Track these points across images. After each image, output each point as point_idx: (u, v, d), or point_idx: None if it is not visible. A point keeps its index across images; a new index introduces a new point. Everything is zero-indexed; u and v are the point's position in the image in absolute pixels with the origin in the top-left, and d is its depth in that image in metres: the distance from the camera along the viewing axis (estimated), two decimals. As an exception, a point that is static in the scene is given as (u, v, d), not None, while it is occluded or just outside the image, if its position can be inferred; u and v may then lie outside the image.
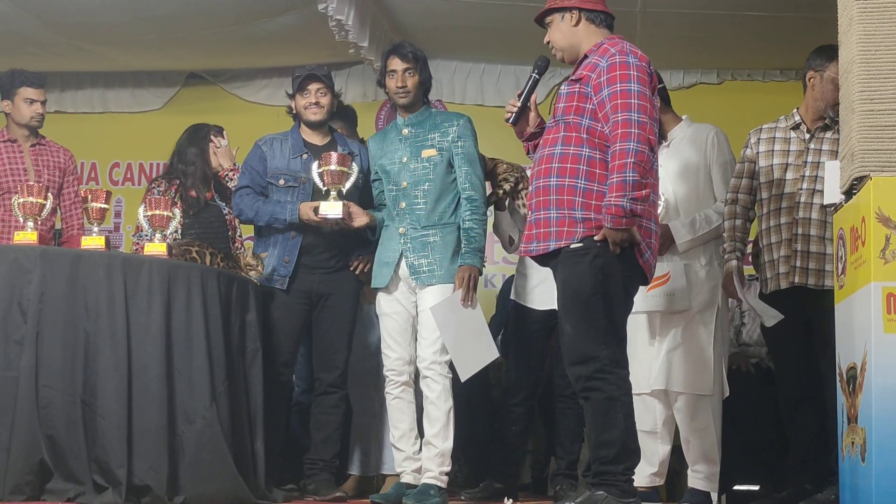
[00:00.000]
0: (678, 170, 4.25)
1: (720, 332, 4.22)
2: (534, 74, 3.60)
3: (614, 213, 3.24)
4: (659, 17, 5.43)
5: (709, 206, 4.26)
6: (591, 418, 3.32)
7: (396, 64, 4.33)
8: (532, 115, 3.61)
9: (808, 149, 4.15)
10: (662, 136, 4.22)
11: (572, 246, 3.33)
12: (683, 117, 4.37)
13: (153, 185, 4.75)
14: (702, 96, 6.41)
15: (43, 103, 5.05)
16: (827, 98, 4.10)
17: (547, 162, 3.40)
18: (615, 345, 3.32)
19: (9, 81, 5.02)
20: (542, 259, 3.50)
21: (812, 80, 4.18)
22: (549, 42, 3.56)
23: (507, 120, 3.64)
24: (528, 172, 4.65)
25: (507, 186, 4.55)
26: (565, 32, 3.50)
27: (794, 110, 4.25)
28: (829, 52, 4.11)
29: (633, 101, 3.26)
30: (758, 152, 4.24)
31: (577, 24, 3.48)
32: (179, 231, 4.52)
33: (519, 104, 3.59)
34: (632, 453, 3.32)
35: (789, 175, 4.16)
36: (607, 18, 3.52)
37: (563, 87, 3.50)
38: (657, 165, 3.43)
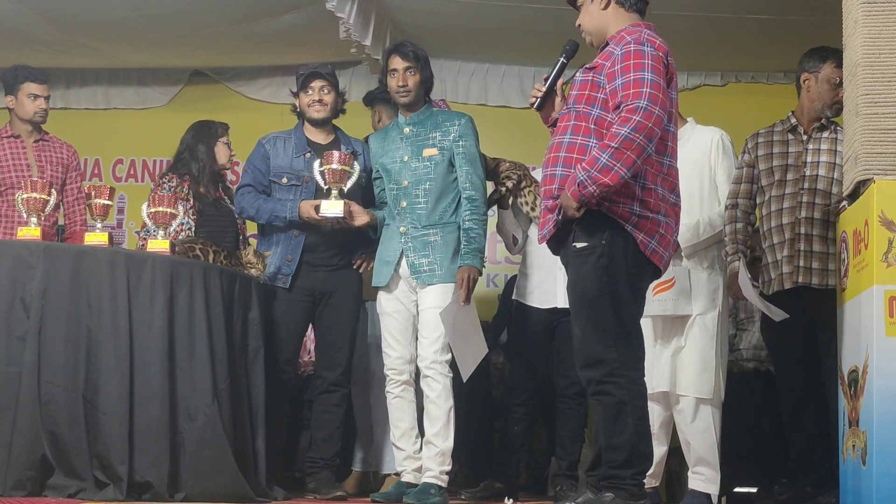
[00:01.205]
0: (681, 171, 4.23)
1: (721, 336, 4.22)
2: (561, 59, 3.46)
3: (571, 180, 3.19)
4: (663, 20, 5.38)
5: (713, 209, 4.26)
6: (601, 421, 3.30)
7: (397, 63, 4.33)
8: (558, 100, 3.48)
9: (807, 149, 4.17)
10: None
11: (578, 245, 3.31)
12: (689, 119, 4.37)
13: (163, 179, 4.73)
14: (706, 98, 6.40)
15: (46, 99, 5.06)
16: (824, 98, 4.15)
17: (555, 151, 3.36)
18: (625, 346, 3.27)
19: (12, 77, 5.03)
20: (554, 248, 3.48)
21: (807, 81, 4.21)
22: (579, 25, 3.46)
23: (532, 105, 3.51)
24: (532, 170, 4.69)
25: (509, 184, 4.54)
26: (594, 15, 3.41)
27: (790, 113, 4.28)
28: (821, 53, 4.15)
29: (644, 89, 3.17)
30: (756, 156, 4.27)
31: (607, 7, 3.38)
32: (193, 228, 4.53)
33: (545, 89, 3.46)
34: (642, 458, 3.28)
35: (790, 176, 4.18)
36: (638, 3, 3.41)
37: (577, 74, 3.41)
38: (668, 160, 3.34)
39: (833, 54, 4.11)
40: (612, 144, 3.14)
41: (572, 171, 3.28)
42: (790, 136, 4.24)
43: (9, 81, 5.04)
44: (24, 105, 5.00)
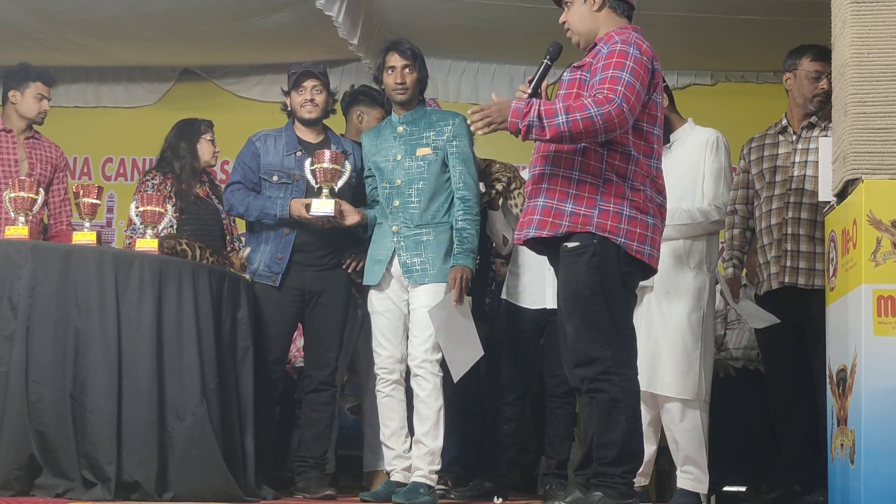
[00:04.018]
0: (676, 172, 4.22)
1: (706, 337, 4.22)
2: (546, 60, 3.43)
3: (521, 105, 3.19)
4: (653, 19, 5.43)
5: (699, 203, 4.26)
6: (594, 419, 3.29)
7: (396, 60, 4.31)
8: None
9: (796, 149, 4.20)
10: (665, 137, 4.20)
11: (569, 245, 3.31)
12: (688, 120, 4.37)
13: (147, 177, 4.73)
14: (695, 97, 6.41)
15: (49, 101, 5.08)
16: (804, 92, 4.18)
17: (544, 150, 3.35)
18: (619, 344, 3.27)
19: (22, 73, 5.04)
20: (535, 248, 3.48)
21: (788, 80, 4.26)
22: (564, 22, 3.43)
23: None
24: (521, 170, 4.69)
25: (499, 186, 4.54)
26: (585, 16, 3.38)
27: (783, 115, 4.30)
28: (798, 51, 4.22)
29: (619, 87, 3.16)
30: (750, 161, 4.31)
31: (600, 9, 3.37)
32: (175, 226, 4.51)
33: (529, 91, 3.42)
34: (633, 456, 3.28)
35: (778, 177, 4.21)
36: (629, 9, 3.42)
37: (566, 73, 3.42)
38: (655, 162, 3.34)
39: (809, 49, 4.15)
40: (577, 116, 3.13)
41: (561, 171, 3.30)
42: (780, 138, 4.26)
43: (16, 77, 5.05)
44: (30, 104, 5.03)
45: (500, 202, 4.60)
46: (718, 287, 4.36)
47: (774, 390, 4.30)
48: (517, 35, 5.95)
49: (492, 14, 5.73)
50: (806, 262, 4.05)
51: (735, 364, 5.18)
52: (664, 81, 4.27)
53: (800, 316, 4.11)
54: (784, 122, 4.27)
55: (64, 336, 3.69)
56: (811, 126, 4.19)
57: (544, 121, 3.15)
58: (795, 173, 4.16)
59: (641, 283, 3.94)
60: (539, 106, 3.18)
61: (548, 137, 3.17)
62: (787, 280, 4.09)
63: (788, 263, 4.09)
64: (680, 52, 6.06)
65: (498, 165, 4.59)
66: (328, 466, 4.71)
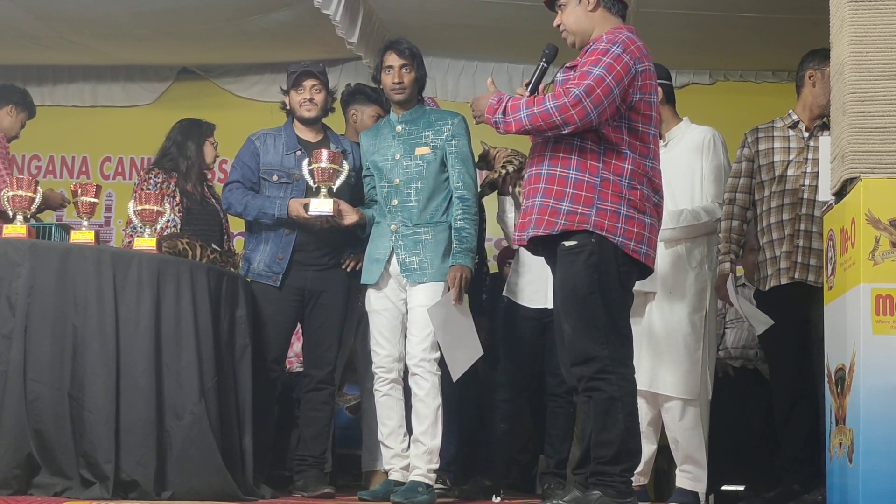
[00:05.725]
0: (674, 171, 4.22)
1: (708, 336, 4.22)
2: (542, 62, 3.48)
3: (494, 100, 3.36)
4: (652, 18, 5.43)
5: (702, 203, 4.26)
6: (592, 417, 3.31)
7: (393, 60, 4.31)
8: None
9: (809, 146, 4.18)
10: (661, 136, 4.20)
11: (567, 244, 3.32)
12: (684, 118, 4.36)
13: (150, 175, 4.72)
14: (694, 96, 6.41)
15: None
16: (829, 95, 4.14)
17: (541, 150, 3.38)
18: (616, 342, 3.29)
19: (23, 100, 5.12)
20: (532, 248, 3.49)
21: (813, 77, 4.21)
22: (559, 25, 3.46)
23: None
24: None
25: (510, 168, 4.50)
26: (580, 17, 3.41)
27: (790, 111, 4.27)
28: (825, 52, 4.15)
29: (586, 81, 3.20)
30: (757, 151, 4.26)
31: (595, 9, 3.40)
32: (179, 226, 4.52)
33: (527, 93, 3.47)
34: (631, 454, 3.30)
35: (791, 172, 4.18)
36: (622, 8, 3.45)
37: (559, 73, 3.44)
38: (650, 162, 3.38)
39: None
40: (535, 110, 3.26)
41: (559, 170, 3.32)
42: (791, 133, 4.23)
43: (20, 99, 5.09)
44: (15, 127, 5.12)
45: (512, 189, 4.54)
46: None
47: (779, 388, 4.29)
48: (515, 34, 5.95)
49: (490, 13, 5.73)
50: (817, 260, 4.04)
51: (734, 363, 5.18)
52: (669, 79, 4.28)
53: (806, 313, 4.09)
54: (794, 117, 4.24)
55: (62, 335, 3.69)
56: (824, 126, 4.17)
57: (509, 115, 3.31)
58: (809, 170, 4.14)
59: (645, 290, 3.96)
60: (507, 101, 3.33)
61: (513, 131, 3.32)
62: (797, 276, 4.09)
63: (800, 259, 4.09)
64: (678, 50, 6.06)
65: (508, 150, 4.55)
66: (326, 465, 4.71)
